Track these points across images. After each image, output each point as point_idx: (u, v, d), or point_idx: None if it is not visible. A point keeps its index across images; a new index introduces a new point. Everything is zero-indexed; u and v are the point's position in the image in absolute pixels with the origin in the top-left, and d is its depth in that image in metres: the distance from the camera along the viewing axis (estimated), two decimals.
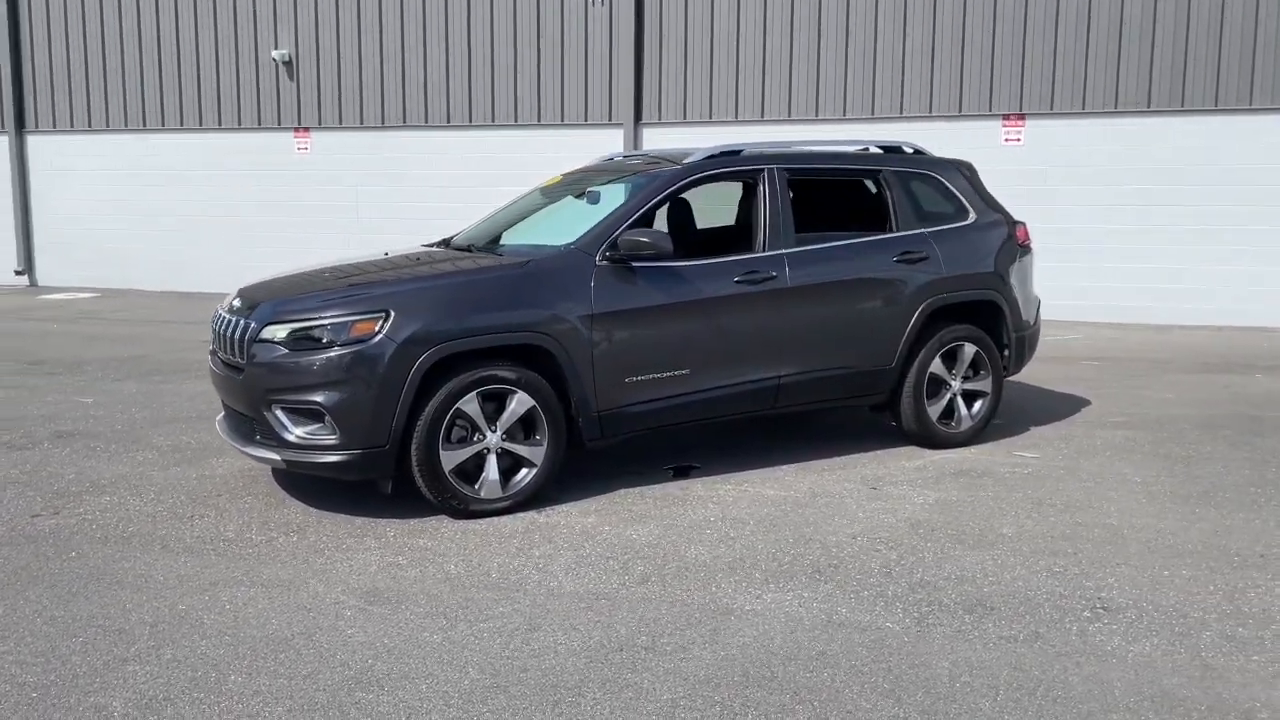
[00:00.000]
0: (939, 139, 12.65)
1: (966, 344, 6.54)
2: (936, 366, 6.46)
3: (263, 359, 5.05)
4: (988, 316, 6.72)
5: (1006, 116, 12.72)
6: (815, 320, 6.04)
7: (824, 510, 5.35)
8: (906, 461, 6.29)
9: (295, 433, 5.02)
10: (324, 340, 4.96)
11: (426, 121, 14.83)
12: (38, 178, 17.03)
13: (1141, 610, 4.11)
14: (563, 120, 14.21)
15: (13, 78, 16.70)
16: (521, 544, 4.84)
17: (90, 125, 16.54)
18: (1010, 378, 7.10)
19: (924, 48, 12.83)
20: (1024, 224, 7.04)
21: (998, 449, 6.58)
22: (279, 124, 15.57)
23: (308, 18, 15.18)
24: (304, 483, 5.68)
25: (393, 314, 4.98)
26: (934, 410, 6.49)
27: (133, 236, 16.39)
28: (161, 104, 16.07)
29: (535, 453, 5.30)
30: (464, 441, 5.16)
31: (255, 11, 15.41)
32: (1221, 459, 6.34)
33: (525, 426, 5.31)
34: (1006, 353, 6.78)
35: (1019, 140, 12.74)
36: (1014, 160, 12.69)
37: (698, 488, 5.74)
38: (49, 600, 4.19)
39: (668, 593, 4.27)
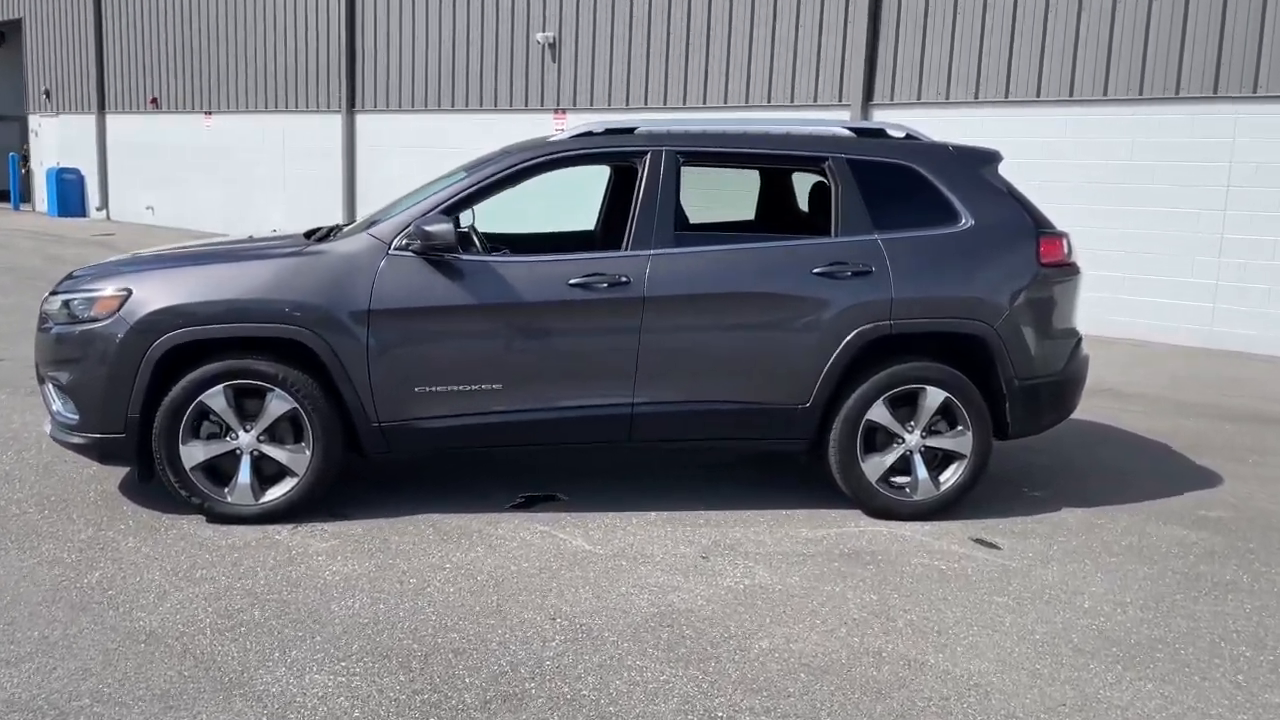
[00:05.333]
0: (1262, 127, 9.93)
1: (929, 388, 4.98)
2: (880, 414, 4.99)
3: (42, 329, 4.94)
4: (971, 355, 5.10)
5: None
6: (684, 339, 4.87)
7: (580, 575, 4.29)
8: (811, 530, 4.92)
9: (56, 407, 4.88)
10: (78, 316, 4.75)
11: (665, 104, 14.36)
12: (361, 151, 18.79)
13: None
14: (792, 101, 13.10)
15: (347, 66, 18.50)
16: (200, 560, 4.33)
17: (400, 106, 17.90)
18: (1027, 437, 5.34)
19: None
20: (1063, 235, 5.23)
21: (960, 530, 4.96)
22: (541, 105, 15.86)
23: (571, 3, 15.26)
24: None
25: (133, 293, 4.65)
26: (874, 468, 5.03)
27: None
28: (454, 88, 16.97)
29: (298, 460, 4.75)
30: (215, 438, 4.74)
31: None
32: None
33: (296, 430, 4.78)
34: (1006, 405, 5.10)
35: None
36: None
37: (509, 525, 4.86)
38: None
39: (158, 622, 3.59)
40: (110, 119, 23.84)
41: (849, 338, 4.91)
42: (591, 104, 15.18)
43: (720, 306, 4.88)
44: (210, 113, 21.39)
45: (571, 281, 4.79)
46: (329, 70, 18.85)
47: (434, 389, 4.77)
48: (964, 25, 11.71)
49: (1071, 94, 11.09)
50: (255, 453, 4.74)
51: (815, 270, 4.92)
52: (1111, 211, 10.84)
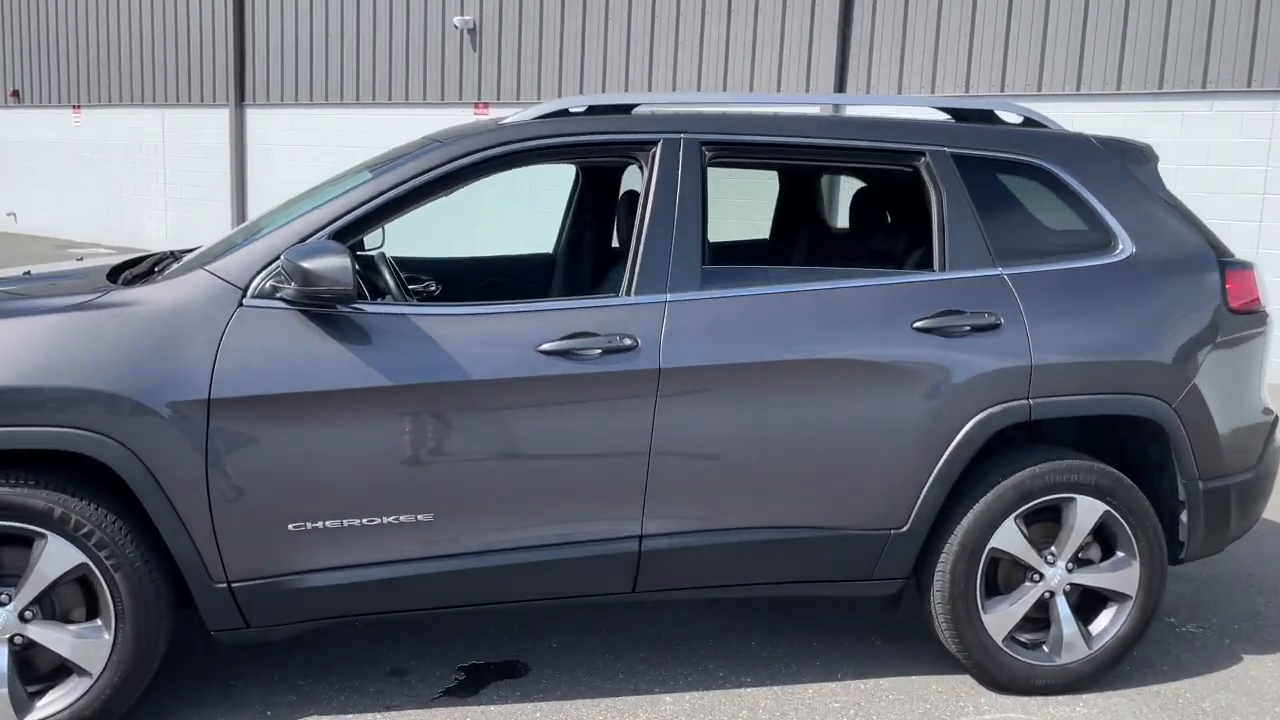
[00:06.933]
0: None
1: (1080, 499, 3.30)
2: (1010, 539, 3.29)
3: None
4: (1140, 447, 3.45)
5: None
6: (719, 435, 3.11)
7: None
8: None
9: None
10: None
11: None
12: (253, 151, 16.65)
13: None
14: (750, 93, 11.44)
15: (236, 53, 16.33)
16: None
17: (297, 99, 15.82)
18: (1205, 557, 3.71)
19: None
20: (1250, 267, 3.61)
21: (1131, 711, 3.29)
22: (460, 98, 13.96)
23: None
24: None
25: None
26: (999, 619, 3.33)
27: None
28: (359, 79, 14.97)
29: (92, 650, 2.86)
30: None
31: None
32: None
33: (89, 599, 2.89)
34: (1183, 518, 3.45)
35: None
36: None
37: None
38: None
39: None
40: None
41: (969, 426, 3.20)
42: (518, 96, 13.36)
43: (774, 382, 3.11)
44: (79, 106, 18.98)
45: (544, 347, 2.99)
46: (215, 58, 16.64)
47: (319, 525, 2.92)
48: (953, 4, 10.18)
49: (1079, 87, 9.63)
50: (18, 639, 2.83)
51: (916, 324, 3.20)
52: None
